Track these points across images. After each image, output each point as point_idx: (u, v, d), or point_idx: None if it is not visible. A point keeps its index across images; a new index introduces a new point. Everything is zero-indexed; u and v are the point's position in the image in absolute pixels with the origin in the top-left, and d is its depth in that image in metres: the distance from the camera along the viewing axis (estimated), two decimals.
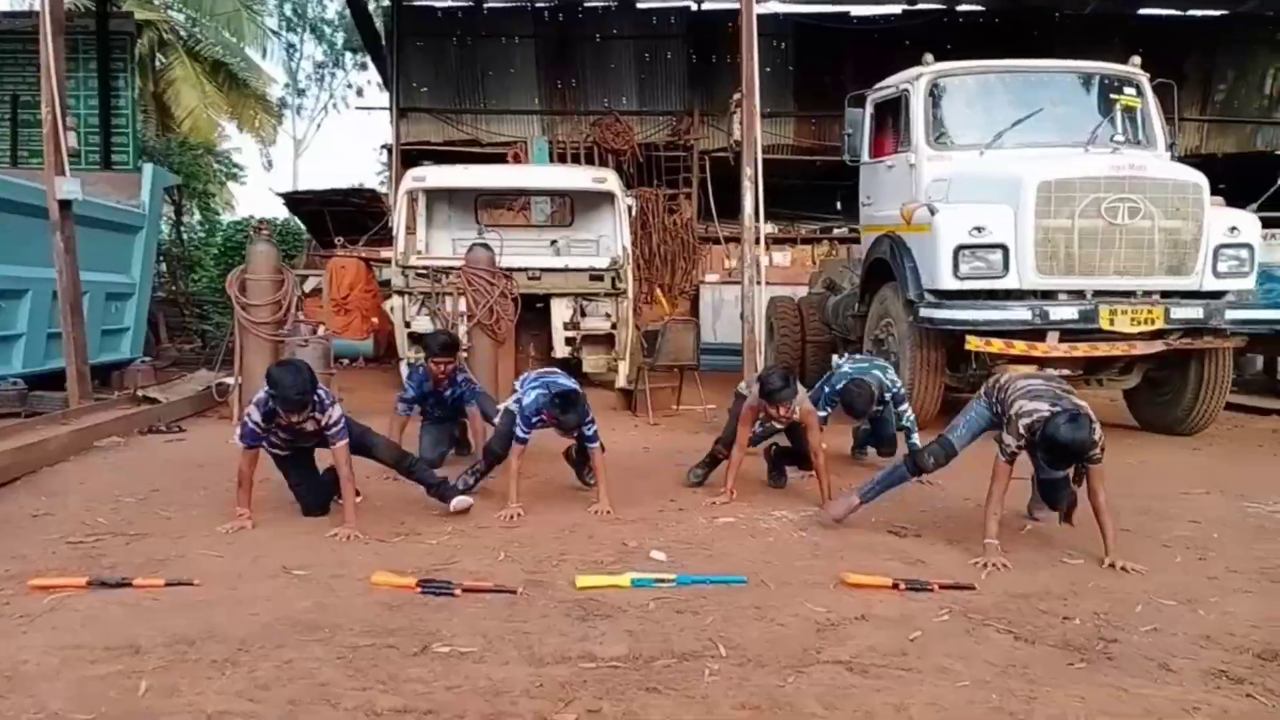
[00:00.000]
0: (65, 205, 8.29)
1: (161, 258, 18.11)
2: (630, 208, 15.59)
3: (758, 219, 8.46)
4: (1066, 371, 7.48)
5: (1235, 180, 17.47)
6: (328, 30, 32.06)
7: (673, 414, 9.60)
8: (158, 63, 26.36)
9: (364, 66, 30.41)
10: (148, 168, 13.21)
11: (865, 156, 9.54)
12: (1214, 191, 8.05)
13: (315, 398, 4.72)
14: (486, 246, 9.35)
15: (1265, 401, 10.49)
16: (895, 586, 3.92)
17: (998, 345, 7.55)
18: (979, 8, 18.31)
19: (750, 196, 8.33)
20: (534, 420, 5.27)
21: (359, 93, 33.10)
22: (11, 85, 17.18)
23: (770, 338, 11.99)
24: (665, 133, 17.67)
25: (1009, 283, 7.63)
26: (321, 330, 9.02)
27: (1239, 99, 18.53)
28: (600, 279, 10.71)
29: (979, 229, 7.61)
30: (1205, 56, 18.30)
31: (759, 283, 8.63)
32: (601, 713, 2.74)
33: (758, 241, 8.51)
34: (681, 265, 17.33)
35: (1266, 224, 16.49)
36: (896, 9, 18.05)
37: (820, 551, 4.50)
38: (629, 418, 9.33)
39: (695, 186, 17.24)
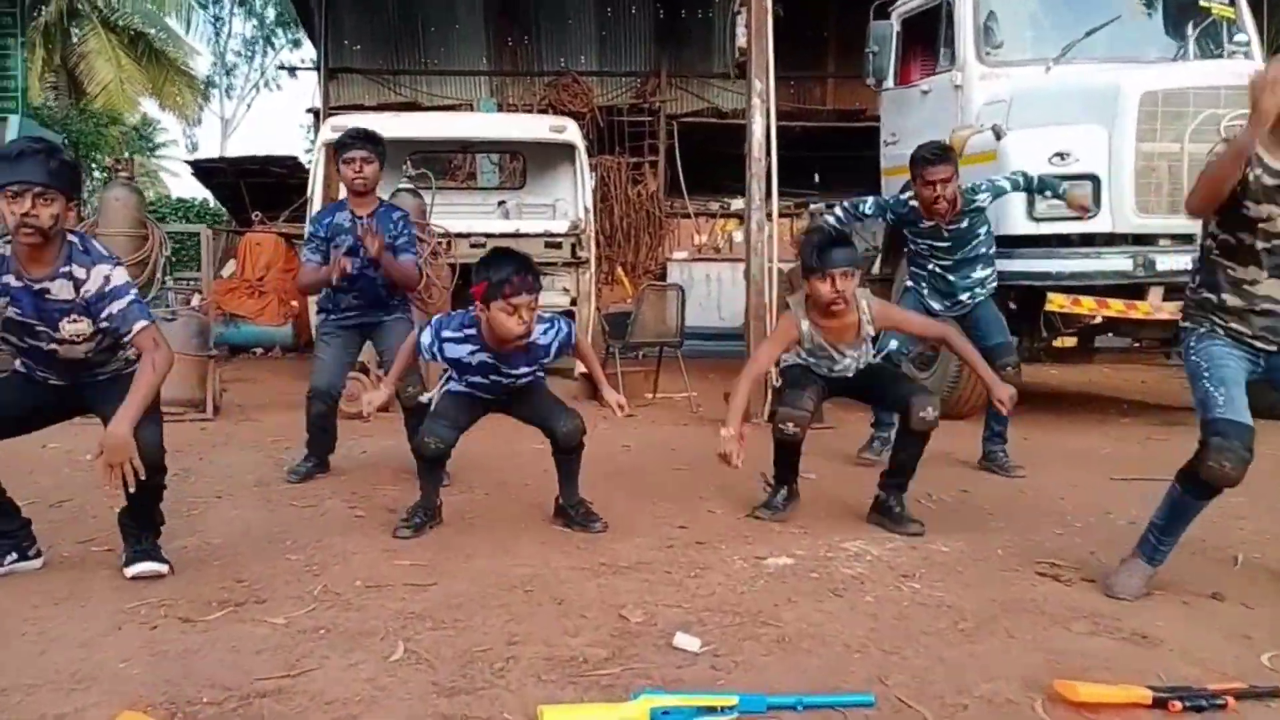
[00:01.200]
0: None
1: None
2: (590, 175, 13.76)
3: (769, 153, 6.56)
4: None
5: None
6: (257, 3, 29.70)
7: (648, 403, 7.69)
8: (72, 35, 24.22)
9: (298, 43, 28.16)
10: (13, 118, 11.02)
11: (890, 82, 7.70)
12: None
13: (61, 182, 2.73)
14: (414, 193, 7.40)
15: None
16: (1161, 705, 2.03)
17: (1088, 304, 5.78)
18: None
19: (760, 120, 6.42)
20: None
21: (292, 73, 30.79)
22: None
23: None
24: (629, 95, 15.85)
25: (1100, 224, 5.84)
26: (197, 301, 6.99)
27: None
28: (558, 246, 8.88)
29: (1063, 155, 5.81)
30: None
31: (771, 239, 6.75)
32: None
33: (769, 184, 6.59)
34: (646, 241, 15.62)
35: None
36: None
37: (963, 620, 2.60)
38: (595, 409, 7.39)
39: (662, 155, 15.46)
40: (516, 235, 8.84)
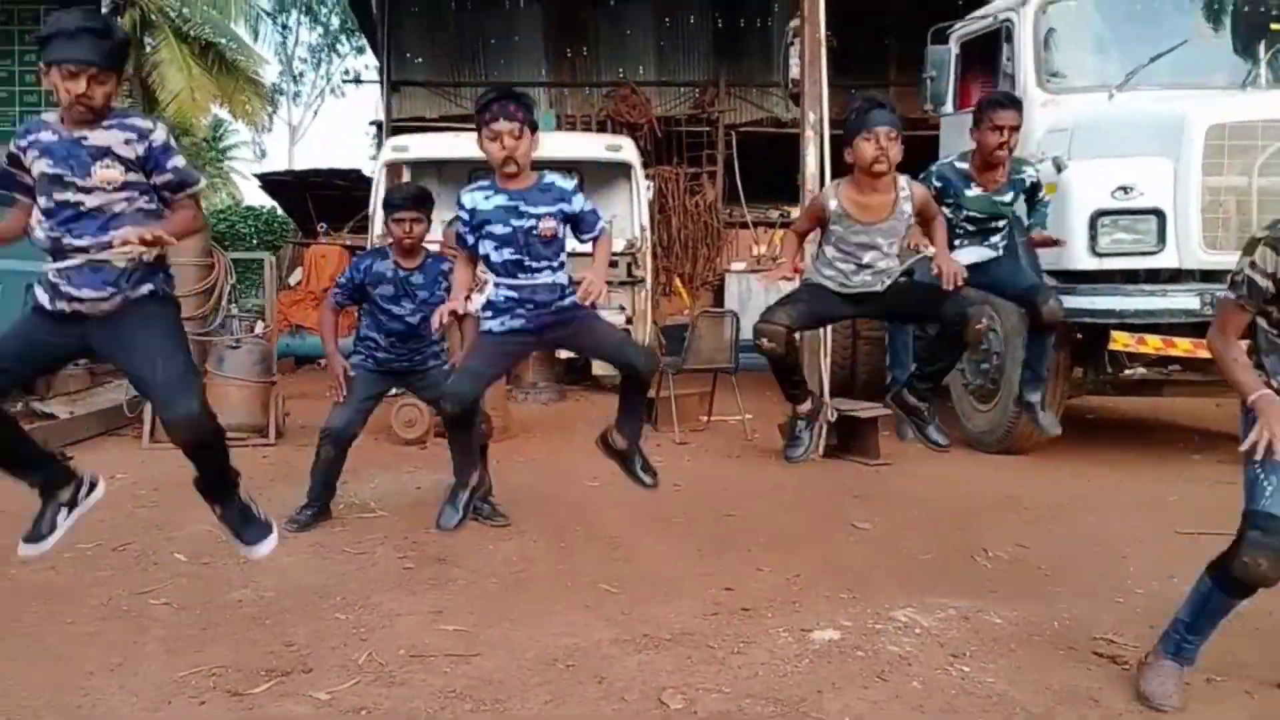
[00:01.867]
0: None
1: None
2: (649, 188, 13.76)
3: (822, 181, 6.51)
4: None
5: None
6: (323, 12, 30.26)
7: (703, 428, 7.68)
8: (145, 45, 24.88)
9: (362, 50, 28.60)
10: None
11: (949, 107, 7.58)
12: None
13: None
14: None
15: None
16: None
17: (1153, 343, 5.64)
18: None
19: (814, 150, 6.38)
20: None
21: (356, 78, 31.28)
22: None
23: None
24: (687, 105, 15.90)
25: (1166, 260, 5.70)
26: (260, 329, 7.14)
27: None
28: (614, 265, 8.97)
29: (1126, 189, 5.68)
30: None
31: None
32: None
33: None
34: (704, 252, 15.66)
35: None
36: None
37: (1014, 713, 2.55)
38: (649, 433, 7.39)
39: (720, 165, 15.44)
40: (572, 254, 8.93)
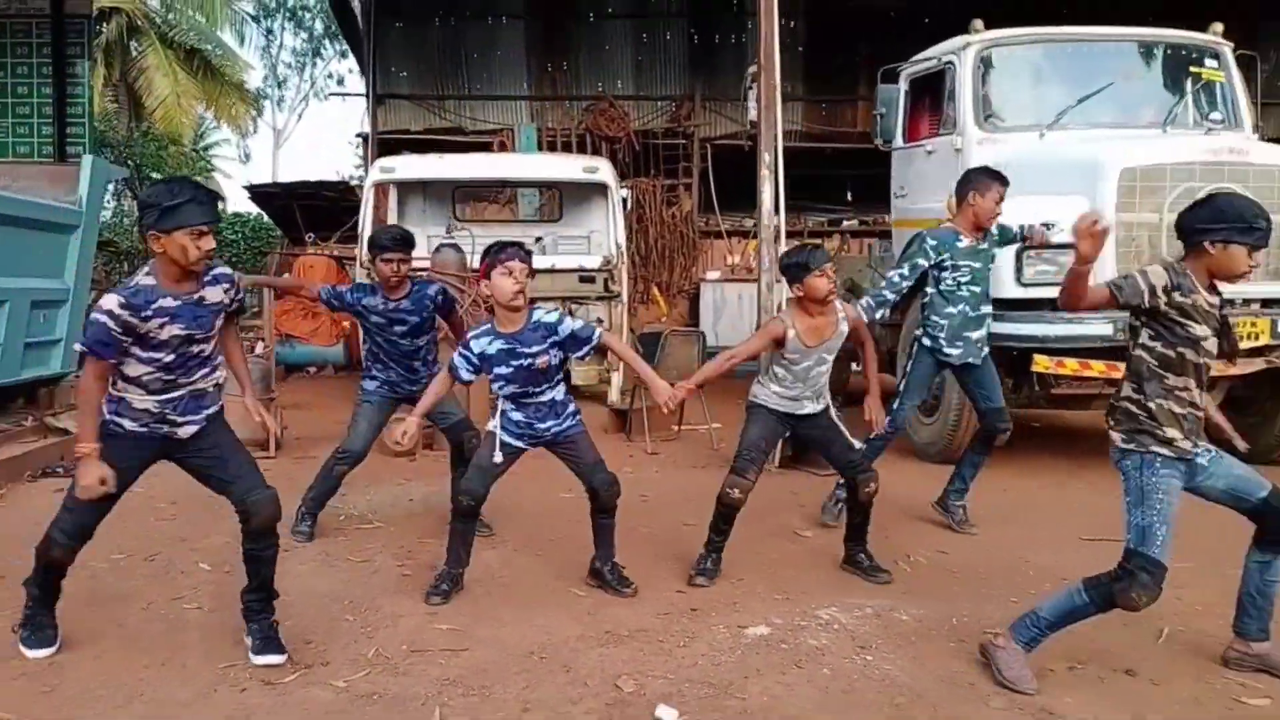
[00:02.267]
0: None
1: (117, 254, 16.78)
2: (625, 200, 14.26)
3: (777, 212, 7.11)
4: None
5: None
6: (306, 17, 30.63)
7: (674, 437, 8.26)
8: (131, 51, 25.20)
9: (345, 54, 29.02)
10: (86, 159, 11.75)
11: (899, 141, 8.19)
12: None
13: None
14: (456, 248, 8.08)
15: None
16: None
17: (1071, 366, 6.28)
18: None
19: (769, 188, 6.98)
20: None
21: (340, 82, 31.73)
22: None
23: None
24: (664, 119, 16.54)
25: None
26: (260, 349, 7.68)
27: None
28: (591, 280, 9.54)
29: (1049, 225, 6.27)
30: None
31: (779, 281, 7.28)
32: None
33: (777, 239, 7.15)
34: (680, 261, 16.26)
35: None
36: None
37: (900, 695, 3.16)
38: (622, 444, 7.99)
39: (696, 177, 16.07)
40: (552, 270, 9.48)
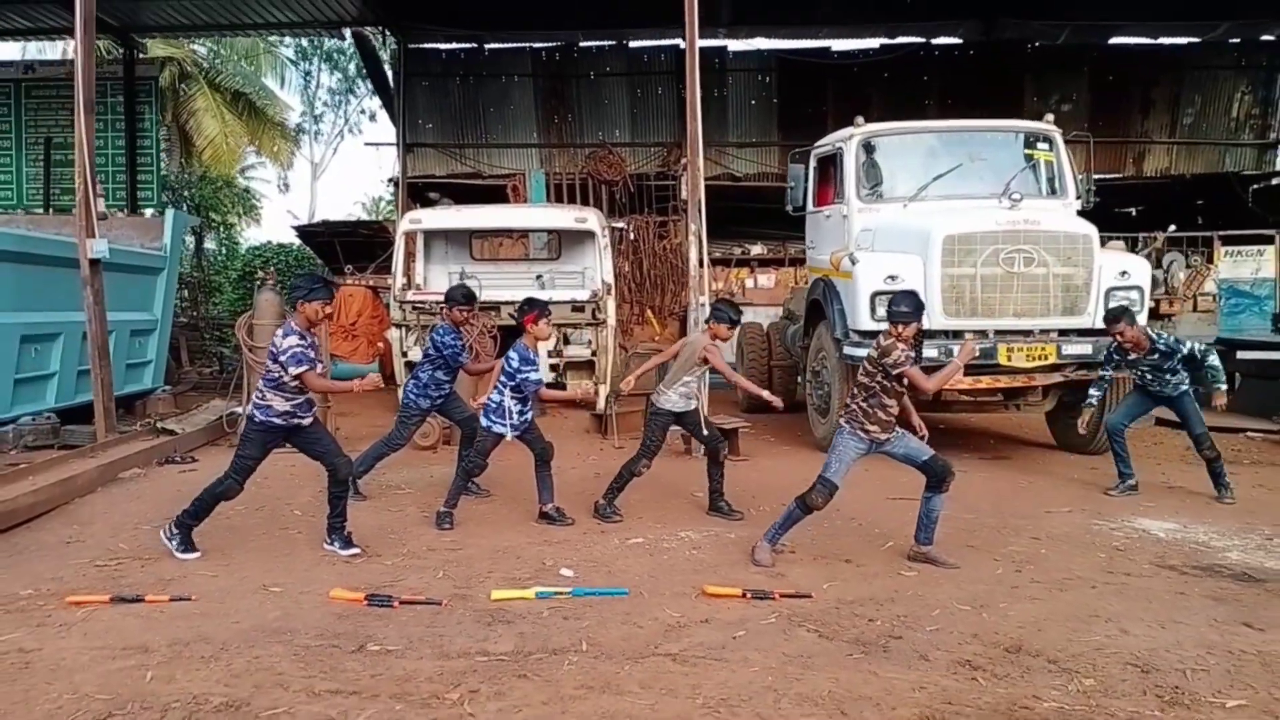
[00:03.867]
0: (94, 263, 9.42)
1: (183, 285, 19.28)
2: (624, 231, 16.63)
3: (701, 266, 9.45)
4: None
5: (1208, 199, 18.45)
6: (341, 59, 33.29)
7: (638, 438, 10.52)
8: (180, 93, 27.76)
9: (374, 93, 31.58)
10: (169, 213, 14.38)
11: (810, 206, 10.52)
12: (1186, 211, 8.93)
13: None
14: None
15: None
16: (744, 596, 4.92)
17: None
18: (954, 40, 19.25)
19: (695, 251, 9.33)
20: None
21: (372, 117, 34.37)
22: (45, 128, 18.54)
23: (740, 361, 12.92)
24: (656, 163, 18.89)
25: (923, 324, 8.56)
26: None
27: (1207, 122, 19.41)
28: (582, 310, 11.71)
29: (893, 277, 8.58)
30: (1174, 82, 19.27)
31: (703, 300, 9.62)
32: (479, 693, 3.76)
33: (702, 292, 9.44)
34: (671, 288, 18.32)
35: (1229, 242, 17.46)
36: (875, 43, 19.11)
37: (701, 567, 5.51)
38: (598, 440, 10.34)
39: (685, 213, 18.22)
40: (550, 302, 11.78)
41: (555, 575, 5.35)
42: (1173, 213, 16.86)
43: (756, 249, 18.47)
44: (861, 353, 8.55)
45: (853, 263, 8.83)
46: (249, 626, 4.50)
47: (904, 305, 5.73)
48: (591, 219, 12.65)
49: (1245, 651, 4.25)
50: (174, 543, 5.82)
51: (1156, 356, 7.56)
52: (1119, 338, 7.61)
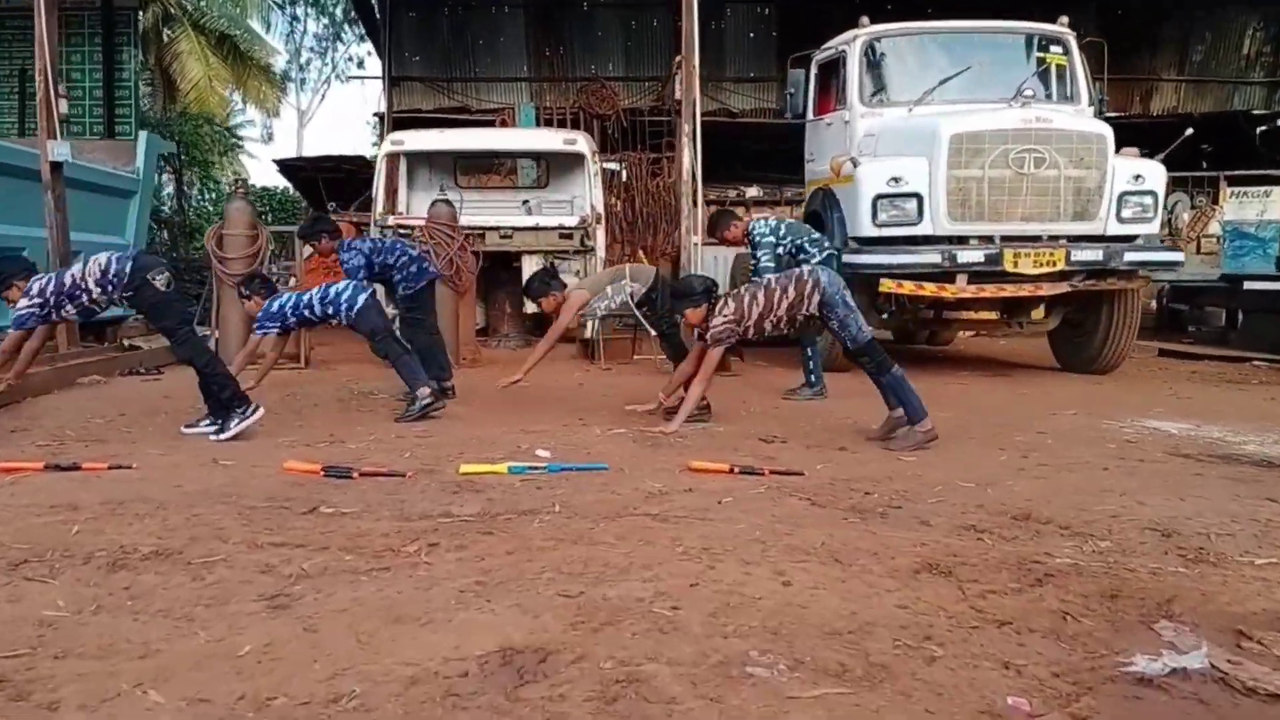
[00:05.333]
0: (56, 167, 8.96)
1: (163, 225, 18.83)
2: (616, 171, 16.09)
3: (694, 174, 9.02)
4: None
5: (1216, 139, 17.99)
6: (328, 3, 32.54)
7: (628, 363, 10.15)
8: (164, 36, 27.10)
9: (363, 38, 30.92)
10: (142, 135, 13.89)
11: (810, 115, 10.08)
12: (1195, 151, 8.50)
13: None
14: (448, 202, 9.98)
15: (1205, 349, 11.11)
16: (731, 471, 4.56)
17: (909, 287, 8.13)
18: None
19: (688, 155, 8.89)
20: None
21: (359, 64, 33.65)
22: (21, 59, 17.97)
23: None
24: (650, 98, 18.27)
25: (923, 229, 8.18)
26: (292, 283, 9.70)
27: (1216, 60, 18.89)
28: (569, 236, 11.30)
29: (896, 179, 8.17)
30: (1183, 19, 18.68)
31: (696, 239, 9.22)
32: (439, 545, 3.39)
33: (695, 204, 9.03)
34: (664, 227, 17.85)
35: (1235, 182, 17.01)
36: None
37: (688, 449, 5.15)
38: (584, 363, 9.95)
39: (679, 151, 17.73)
40: (536, 229, 11.40)
41: (531, 456, 4.98)
42: (1178, 155, 16.42)
43: (752, 191, 17.99)
44: (862, 260, 8.21)
45: (854, 165, 8.41)
46: (193, 490, 4.14)
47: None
48: (581, 142, 12.24)
49: (1272, 520, 3.90)
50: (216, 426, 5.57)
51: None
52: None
